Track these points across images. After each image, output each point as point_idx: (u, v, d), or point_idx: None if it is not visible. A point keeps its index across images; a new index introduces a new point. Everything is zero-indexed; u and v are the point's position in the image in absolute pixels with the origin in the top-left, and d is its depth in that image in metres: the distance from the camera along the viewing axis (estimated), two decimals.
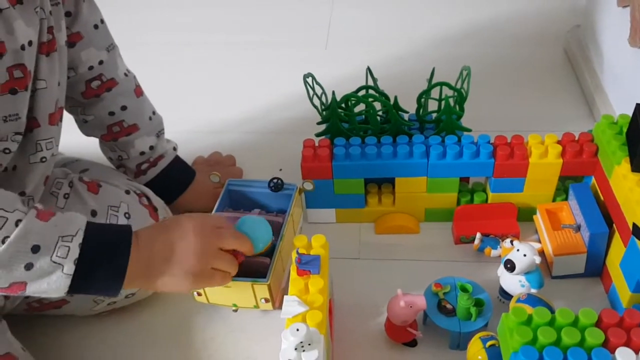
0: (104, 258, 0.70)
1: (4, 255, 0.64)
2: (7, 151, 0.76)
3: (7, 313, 0.86)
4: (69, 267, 0.67)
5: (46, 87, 0.78)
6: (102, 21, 0.94)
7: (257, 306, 0.88)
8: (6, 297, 0.85)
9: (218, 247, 0.78)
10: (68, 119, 0.98)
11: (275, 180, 0.95)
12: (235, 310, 0.89)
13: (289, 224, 0.92)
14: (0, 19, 0.68)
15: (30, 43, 0.72)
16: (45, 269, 0.66)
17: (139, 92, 1.00)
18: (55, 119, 0.82)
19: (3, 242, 0.64)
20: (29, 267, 0.66)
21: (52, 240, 0.67)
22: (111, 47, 0.95)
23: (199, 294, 0.88)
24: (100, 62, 0.93)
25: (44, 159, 0.82)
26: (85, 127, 0.99)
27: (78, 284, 0.68)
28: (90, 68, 0.92)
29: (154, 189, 0.98)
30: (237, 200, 0.97)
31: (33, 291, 0.68)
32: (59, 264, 0.67)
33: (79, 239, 0.68)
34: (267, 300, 0.86)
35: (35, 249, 0.66)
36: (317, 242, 0.80)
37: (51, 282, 0.67)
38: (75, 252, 0.67)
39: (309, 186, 0.95)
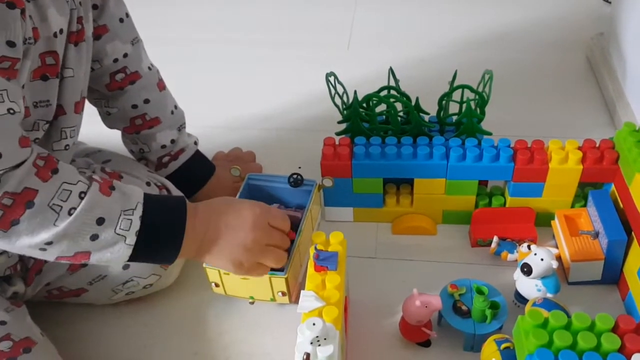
0: (163, 230, 0.75)
1: (71, 226, 0.67)
2: (36, 140, 0.78)
3: (28, 300, 0.88)
4: (131, 239, 0.72)
5: (73, 75, 0.80)
6: (127, 15, 0.95)
7: (273, 299, 0.88)
8: (27, 284, 0.86)
9: (266, 242, 0.81)
10: (91, 110, 1.00)
11: (295, 176, 0.95)
12: (252, 303, 0.90)
13: (308, 220, 0.92)
14: (34, 6, 0.70)
15: (61, 31, 0.74)
16: (109, 240, 0.70)
17: (161, 86, 1.01)
18: (79, 108, 0.84)
19: (70, 214, 0.67)
20: (94, 238, 0.69)
21: (116, 214, 0.71)
22: (136, 41, 0.97)
23: (217, 285, 0.89)
24: (125, 55, 0.94)
25: (67, 147, 0.84)
26: (109, 119, 1.00)
27: (137, 254, 0.73)
28: (115, 61, 0.94)
29: (174, 182, 0.99)
30: (256, 194, 0.98)
31: (96, 260, 0.72)
32: (122, 235, 0.71)
33: (139, 212, 0.72)
34: (284, 294, 0.87)
35: (100, 221, 0.69)
36: (335, 239, 0.81)
37: (114, 252, 0.72)
38: (136, 225, 0.72)
39: (328, 182, 0.96)
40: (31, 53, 0.70)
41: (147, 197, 0.74)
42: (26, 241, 0.67)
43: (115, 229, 0.70)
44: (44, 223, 0.66)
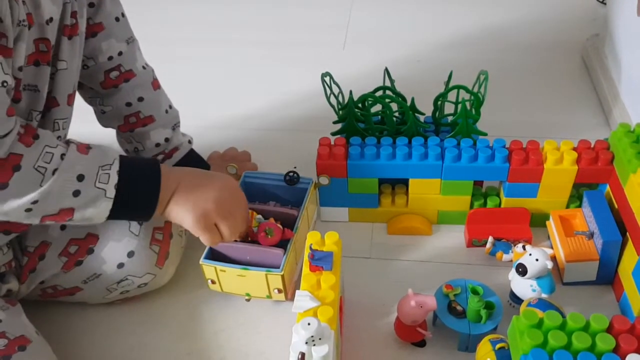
0: (140, 181, 0.78)
1: (55, 184, 0.70)
2: None
3: (22, 298, 0.88)
4: (111, 192, 0.74)
5: (67, 68, 0.82)
6: (123, 15, 0.96)
7: (269, 296, 0.89)
8: (21, 282, 0.86)
9: (229, 209, 0.83)
10: (86, 109, 1.00)
11: (291, 174, 0.96)
12: (248, 300, 0.90)
13: (304, 218, 0.93)
14: None
15: (51, 19, 0.76)
16: (90, 195, 0.73)
17: (156, 84, 1.01)
18: (72, 100, 0.86)
19: (53, 174, 0.70)
20: (76, 193, 0.72)
21: (94, 170, 0.74)
22: (131, 40, 0.97)
23: (213, 282, 0.90)
24: (120, 54, 0.95)
25: (59, 138, 0.83)
26: (104, 117, 1.00)
27: (118, 207, 0.75)
28: (110, 58, 0.94)
29: None
30: (252, 192, 0.98)
31: (80, 217, 0.74)
32: (102, 189, 0.74)
33: (116, 166, 0.75)
34: (280, 291, 0.87)
35: (80, 178, 0.72)
36: (330, 239, 0.81)
37: (96, 206, 0.74)
38: (114, 178, 0.75)
39: (324, 181, 0.96)
40: (25, 36, 0.71)
41: (122, 155, 0.77)
42: (14, 203, 0.69)
43: (95, 183, 0.73)
44: (30, 185, 0.69)
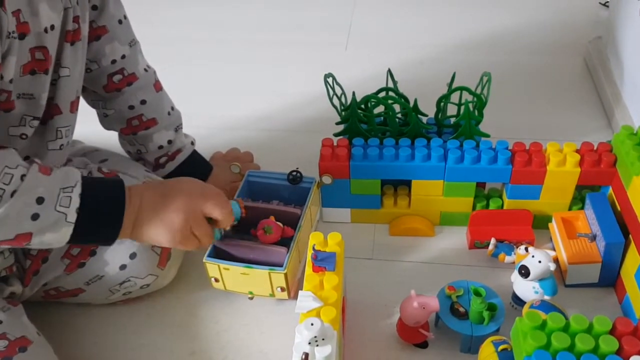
0: (102, 207, 0.74)
1: (12, 207, 0.67)
2: (24, 136, 0.78)
3: (25, 299, 0.87)
4: (72, 216, 0.71)
5: (69, 75, 0.80)
6: (125, 17, 0.95)
7: (272, 295, 0.89)
8: (24, 285, 0.86)
9: (202, 211, 0.80)
10: (89, 109, 1.00)
11: (294, 173, 0.96)
12: (251, 298, 0.90)
13: (307, 217, 0.93)
14: (26, 0, 0.69)
15: (52, 27, 0.74)
16: (50, 219, 0.70)
17: (158, 87, 1.01)
18: (74, 107, 0.84)
19: (12, 196, 0.67)
20: (35, 217, 0.69)
21: (55, 192, 0.70)
22: (133, 43, 0.97)
23: (217, 280, 0.90)
24: (123, 57, 0.95)
25: (62, 146, 0.84)
26: (106, 120, 1.00)
27: (79, 232, 0.72)
28: (113, 62, 0.94)
29: None
30: (256, 191, 0.99)
31: (38, 242, 0.71)
32: (63, 213, 0.70)
33: (78, 189, 0.72)
34: (282, 289, 0.88)
35: (40, 200, 0.69)
36: (333, 240, 0.81)
37: (55, 231, 0.71)
38: (76, 202, 0.71)
39: (327, 180, 0.96)
40: (16, 49, 0.69)
41: (84, 177, 0.74)
42: None
43: (55, 207, 0.70)
44: None
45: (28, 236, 0.70)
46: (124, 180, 0.79)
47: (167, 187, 0.81)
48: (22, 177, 0.68)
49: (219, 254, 0.89)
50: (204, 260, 0.87)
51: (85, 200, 0.72)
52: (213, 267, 0.88)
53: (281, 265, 0.85)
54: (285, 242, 0.89)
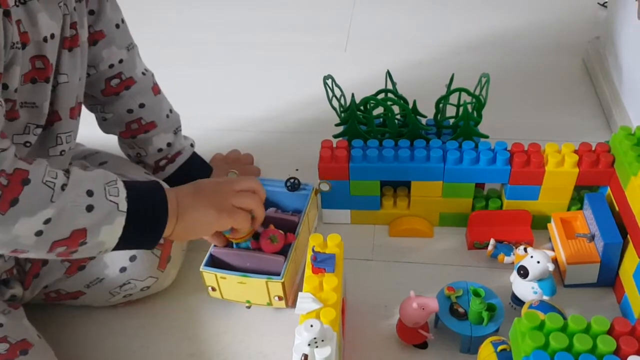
0: (145, 204, 0.74)
1: (67, 199, 0.67)
2: (28, 144, 0.78)
3: (26, 302, 0.88)
4: (123, 205, 0.71)
5: (68, 81, 0.80)
6: (122, 21, 0.96)
7: (270, 303, 0.89)
8: (25, 288, 0.86)
9: (234, 189, 0.81)
10: (89, 113, 1.00)
11: (292, 180, 0.96)
12: (249, 307, 0.90)
13: (304, 224, 0.93)
14: (24, 10, 0.69)
15: (52, 36, 0.74)
16: (104, 209, 0.69)
17: (156, 90, 1.01)
18: (75, 113, 0.84)
19: (62, 189, 0.67)
20: (89, 208, 0.68)
21: (101, 186, 0.70)
22: (131, 47, 0.97)
23: (214, 289, 0.89)
24: (120, 61, 0.95)
25: (63, 152, 0.84)
26: (105, 124, 1.01)
27: (129, 225, 0.71)
28: (111, 66, 0.94)
29: (171, 185, 0.99)
30: None
31: (92, 238, 0.70)
32: (114, 202, 0.70)
33: (121, 182, 0.72)
34: (280, 298, 0.87)
35: (90, 193, 0.69)
36: (332, 242, 0.81)
37: (109, 222, 0.70)
38: (123, 191, 0.72)
39: (325, 187, 0.96)
40: (19, 58, 0.69)
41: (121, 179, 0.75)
42: (25, 223, 0.65)
43: (106, 197, 0.70)
44: (41, 200, 0.65)
45: (83, 233, 0.69)
46: None
47: (195, 183, 0.82)
48: (66, 173, 0.69)
49: (215, 263, 0.88)
50: (200, 270, 0.87)
51: (130, 194, 0.72)
52: (210, 276, 0.87)
53: (278, 274, 0.85)
54: (283, 249, 0.88)
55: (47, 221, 0.66)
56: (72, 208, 0.67)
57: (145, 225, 0.74)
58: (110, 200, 0.70)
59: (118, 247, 0.73)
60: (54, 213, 0.66)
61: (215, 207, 0.78)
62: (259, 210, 0.83)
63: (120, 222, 0.71)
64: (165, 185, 0.81)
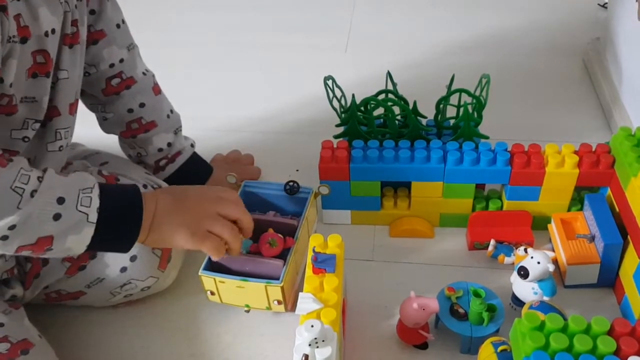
0: (120, 211, 0.74)
1: (34, 207, 0.67)
2: (26, 139, 0.78)
3: (26, 302, 0.88)
4: (93, 216, 0.71)
5: (68, 77, 0.81)
6: (123, 21, 0.96)
7: (269, 308, 0.88)
8: (25, 288, 0.86)
9: (216, 211, 0.80)
10: (89, 113, 1.00)
11: (291, 184, 0.95)
12: (248, 311, 0.90)
13: (304, 227, 0.92)
14: (26, 5, 0.70)
15: (53, 31, 0.75)
16: (72, 219, 0.69)
17: (157, 90, 1.02)
18: (73, 109, 0.85)
19: (32, 196, 0.67)
20: (57, 217, 0.68)
21: (74, 193, 0.70)
22: (131, 47, 0.97)
23: (212, 293, 0.89)
24: (121, 61, 0.95)
25: (61, 148, 0.84)
26: (105, 124, 1.01)
27: (99, 233, 0.72)
28: (111, 66, 0.94)
29: (172, 185, 1.00)
30: (252, 201, 0.97)
31: (59, 246, 0.70)
32: (84, 213, 0.70)
33: (96, 191, 0.72)
34: (279, 302, 0.87)
35: (61, 201, 0.69)
36: (333, 242, 0.81)
37: (77, 232, 0.70)
38: (96, 202, 0.71)
39: (324, 190, 0.96)
40: (17, 53, 0.70)
41: (99, 182, 0.74)
42: None
43: (76, 206, 0.70)
44: (7, 206, 0.65)
45: (49, 240, 0.69)
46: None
47: (179, 191, 0.82)
48: (39, 178, 0.68)
49: (214, 266, 0.88)
50: (199, 274, 0.86)
51: (104, 203, 0.72)
52: (209, 280, 0.87)
53: (277, 278, 0.84)
54: (282, 253, 0.88)
55: (11, 227, 0.66)
56: (39, 216, 0.68)
57: (115, 234, 0.75)
58: (80, 211, 0.70)
59: (87, 251, 0.73)
60: (19, 220, 0.66)
61: (189, 228, 0.78)
62: (233, 245, 0.82)
63: (88, 232, 0.71)
64: (160, 184, 0.80)
